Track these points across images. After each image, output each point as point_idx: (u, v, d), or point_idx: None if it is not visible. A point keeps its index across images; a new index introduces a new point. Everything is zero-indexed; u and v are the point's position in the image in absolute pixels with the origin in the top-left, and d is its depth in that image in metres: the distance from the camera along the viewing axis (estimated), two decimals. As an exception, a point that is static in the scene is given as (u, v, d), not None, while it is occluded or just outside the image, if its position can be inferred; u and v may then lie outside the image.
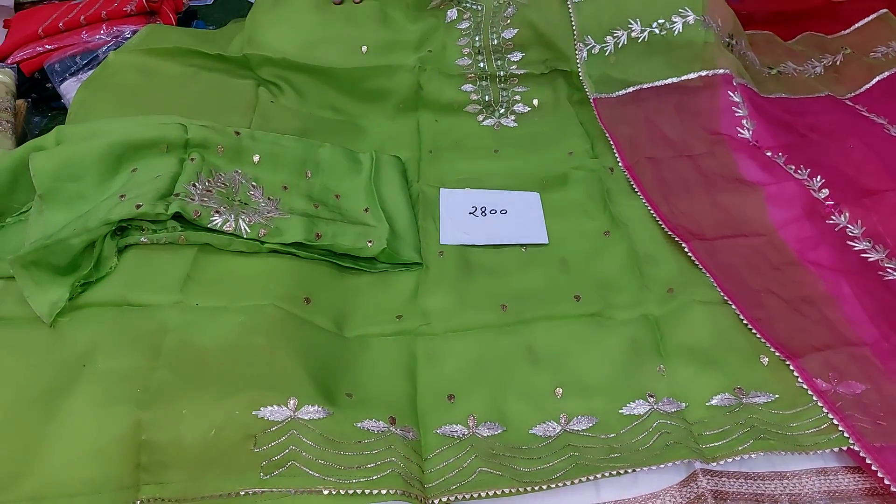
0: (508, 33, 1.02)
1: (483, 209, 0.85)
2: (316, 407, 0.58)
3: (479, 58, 1.03)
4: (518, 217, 0.84)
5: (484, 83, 1.03)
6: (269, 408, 0.57)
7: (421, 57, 1.01)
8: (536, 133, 0.99)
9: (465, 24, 1.04)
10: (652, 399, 0.64)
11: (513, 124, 1.01)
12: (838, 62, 1.15)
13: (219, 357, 0.61)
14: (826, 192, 0.85)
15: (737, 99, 0.93)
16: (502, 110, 1.02)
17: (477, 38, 1.03)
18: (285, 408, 0.57)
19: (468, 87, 1.03)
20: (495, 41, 1.03)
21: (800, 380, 0.64)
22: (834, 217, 0.82)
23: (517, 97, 1.03)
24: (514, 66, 1.03)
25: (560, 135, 0.98)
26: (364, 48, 1.01)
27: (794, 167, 0.88)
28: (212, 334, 0.63)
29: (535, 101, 1.03)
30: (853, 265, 0.77)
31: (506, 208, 0.85)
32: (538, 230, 0.83)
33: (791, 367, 0.65)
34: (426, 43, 1.03)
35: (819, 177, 0.86)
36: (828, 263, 0.77)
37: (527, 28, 1.02)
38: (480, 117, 1.02)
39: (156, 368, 0.59)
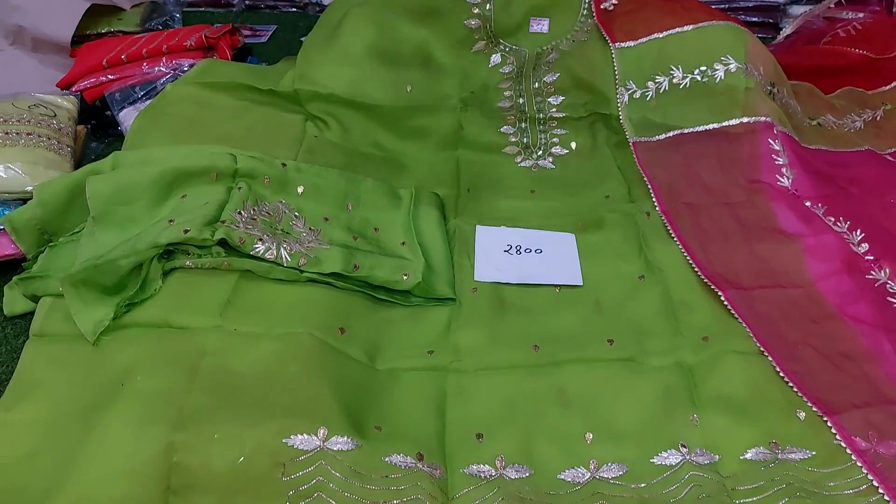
0: (550, 77, 1.04)
1: (518, 248, 0.86)
2: (345, 438, 0.58)
3: (521, 101, 1.05)
4: (553, 257, 0.85)
5: (523, 125, 1.04)
6: (299, 436, 0.57)
7: (463, 97, 1.04)
8: (574, 175, 1.00)
9: (507, 69, 1.06)
10: (685, 449, 0.63)
11: (550, 166, 1.02)
12: (878, 117, 1.14)
13: (253, 383, 0.62)
14: (866, 246, 0.83)
15: (777, 147, 0.92)
16: (540, 152, 1.03)
17: (519, 82, 1.05)
18: (315, 437, 0.58)
19: (507, 128, 1.04)
20: (536, 84, 1.05)
21: (838, 437, 0.63)
22: (874, 272, 0.81)
23: (555, 139, 1.04)
24: (553, 109, 1.04)
25: (597, 178, 0.99)
26: (409, 87, 1.04)
27: (833, 219, 0.87)
28: (247, 360, 0.64)
29: (573, 144, 1.04)
30: (894, 322, 0.75)
31: (541, 248, 0.86)
32: (572, 271, 0.83)
33: (829, 424, 0.64)
34: (469, 84, 1.05)
35: (859, 230, 0.85)
36: (868, 319, 0.75)
37: (568, 73, 1.04)
38: (518, 158, 1.03)
39: (192, 391, 0.60)
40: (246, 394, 0.60)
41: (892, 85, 1.19)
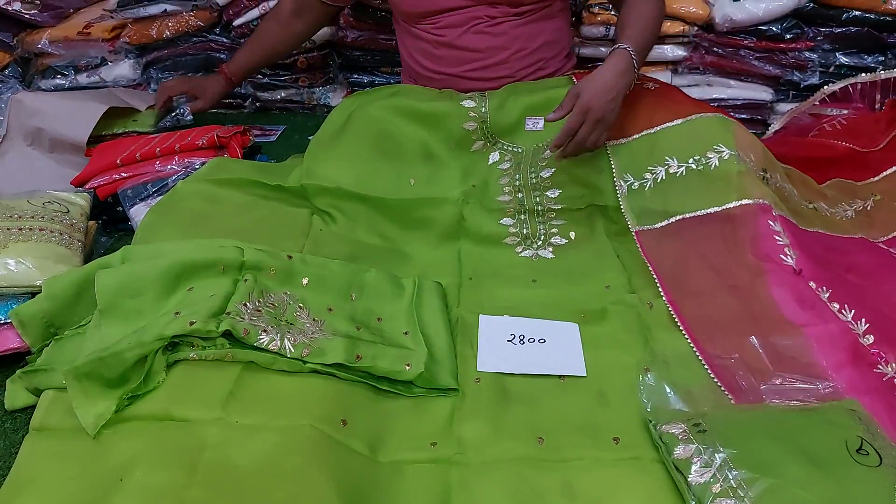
0: (546, 172, 1.08)
1: (521, 337, 0.86)
2: (347, 534, 0.57)
3: (519, 195, 1.08)
4: (556, 347, 0.85)
5: (522, 217, 1.07)
6: (300, 533, 0.56)
7: (465, 190, 1.08)
8: (573, 265, 1.01)
9: (506, 165, 1.11)
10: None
11: (550, 256, 1.04)
12: (869, 207, 1.16)
13: (253, 477, 0.61)
14: (871, 338, 0.82)
15: (777, 228, 0.93)
16: (540, 242, 1.06)
17: (517, 177, 1.09)
18: (316, 533, 0.56)
19: (507, 220, 1.07)
20: (534, 179, 1.08)
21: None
22: (881, 366, 0.79)
23: (554, 230, 1.07)
24: (551, 202, 1.08)
25: (597, 268, 1.00)
26: (412, 181, 1.08)
27: (837, 306, 0.86)
28: (248, 453, 0.63)
29: (572, 234, 1.06)
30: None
31: (544, 337, 0.86)
32: (576, 362, 0.83)
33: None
34: (469, 177, 1.09)
35: (864, 320, 0.84)
36: (877, 415, 0.74)
37: (563, 168, 1.08)
38: (519, 248, 1.05)
39: (191, 486, 0.59)
40: (246, 488, 0.59)
41: (881, 176, 1.22)
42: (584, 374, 0.81)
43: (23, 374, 0.77)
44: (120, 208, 1.14)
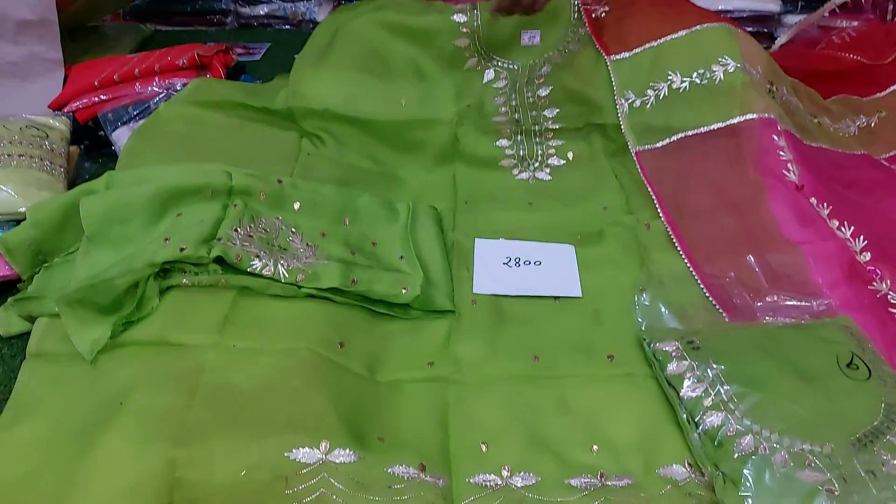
0: (543, 91, 1.05)
1: (517, 260, 0.85)
2: (347, 451, 0.58)
3: (516, 115, 1.05)
4: (552, 269, 0.84)
5: (519, 138, 1.05)
6: (301, 450, 0.57)
7: (459, 110, 1.04)
8: (571, 186, 1.00)
9: (501, 84, 1.07)
10: (690, 467, 0.62)
11: (547, 178, 1.02)
12: (873, 124, 1.14)
13: (253, 398, 0.61)
14: (868, 255, 0.82)
15: (781, 143, 0.91)
16: (537, 164, 1.04)
17: (513, 97, 1.06)
18: (317, 450, 0.57)
19: (503, 142, 1.05)
20: (531, 98, 1.05)
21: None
22: (875, 283, 0.80)
23: (552, 150, 1.04)
24: (549, 122, 1.05)
25: (594, 189, 0.99)
26: (403, 101, 1.04)
27: (837, 223, 0.86)
28: (247, 375, 0.63)
29: (570, 154, 1.04)
30: (896, 336, 0.74)
31: (540, 260, 0.86)
32: (572, 283, 0.83)
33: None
34: (463, 97, 1.06)
35: (861, 237, 0.84)
36: (870, 332, 0.75)
37: (561, 85, 1.04)
38: (515, 171, 1.03)
39: (191, 407, 0.59)
40: (246, 409, 0.60)
41: (888, 91, 1.19)
42: (580, 295, 0.81)
43: (15, 301, 0.76)
44: (101, 132, 1.10)
